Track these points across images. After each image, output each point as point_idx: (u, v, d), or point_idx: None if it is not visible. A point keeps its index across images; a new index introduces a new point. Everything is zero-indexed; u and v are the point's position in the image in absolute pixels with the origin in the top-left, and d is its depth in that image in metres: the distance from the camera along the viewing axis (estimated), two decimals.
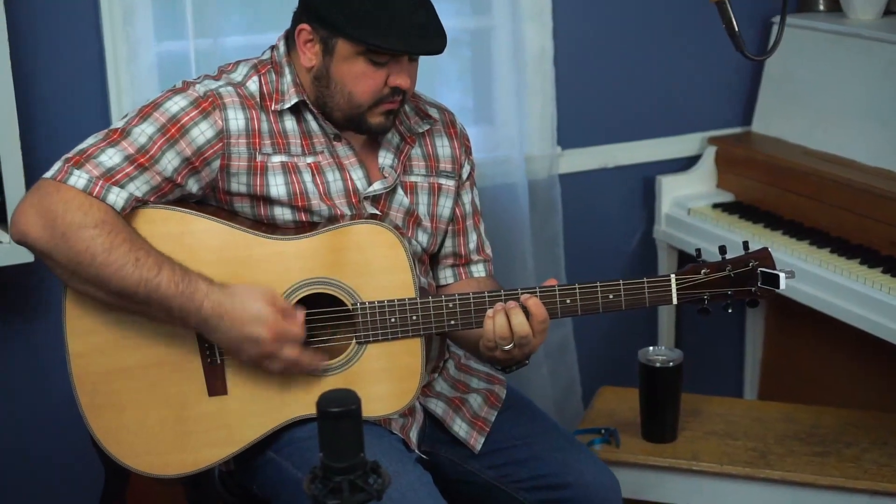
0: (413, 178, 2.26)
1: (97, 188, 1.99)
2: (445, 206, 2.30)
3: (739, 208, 3.28)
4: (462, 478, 2.28)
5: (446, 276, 2.35)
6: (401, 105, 2.16)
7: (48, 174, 2.02)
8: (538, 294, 2.09)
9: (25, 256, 2.60)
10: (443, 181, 2.30)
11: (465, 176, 2.35)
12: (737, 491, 2.71)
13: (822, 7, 3.47)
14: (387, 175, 2.21)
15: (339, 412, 1.52)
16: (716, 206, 3.32)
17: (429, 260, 2.32)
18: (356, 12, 2.05)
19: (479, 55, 3.26)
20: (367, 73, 2.09)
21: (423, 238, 2.26)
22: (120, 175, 2.01)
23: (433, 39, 2.09)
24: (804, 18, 3.36)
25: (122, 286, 1.98)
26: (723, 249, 2.15)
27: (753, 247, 2.16)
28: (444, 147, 2.31)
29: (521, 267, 3.23)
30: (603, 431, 2.81)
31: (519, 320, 2.06)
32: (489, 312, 2.08)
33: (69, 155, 2.04)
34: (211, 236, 2.07)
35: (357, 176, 2.18)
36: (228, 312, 2.00)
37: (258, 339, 2.00)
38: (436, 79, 3.14)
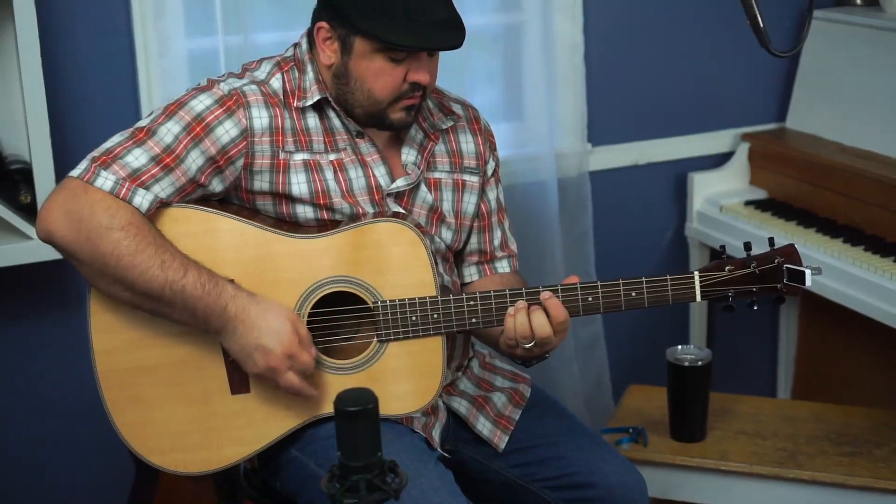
0: (437, 175, 2.26)
1: (124, 190, 2.00)
2: (470, 203, 2.29)
3: (772, 205, 3.25)
4: (485, 476, 2.28)
5: (471, 273, 2.35)
6: (422, 100, 2.15)
7: (75, 173, 2.03)
8: (559, 292, 2.08)
9: (52, 254, 2.61)
10: (467, 177, 2.29)
11: (489, 172, 2.34)
12: (766, 491, 2.69)
13: (858, 1, 3.43)
14: (410, 172, 2.21)
15: (356, 411, 1.52)
16: (748, 203, 3.30)
17: (453, 257, 2.32)
18: (373, 9, 2.04)
19: (509, 50, 3.25)
20: (386, 69, 2.09)
21: (447, 235, 2.25)
22: (146, 177, 2.02)
23: (451, 34, 2.08)
24: (840, 13, 3.32)
25: (148, 288, 1.99)
26: (748, 246, 2.13)
27: (780, 243, 2.13)
28: (468, 143, 2.30)
29: (551, 264, 3.22)
30: (631, 430, 2.80)
31: (540, 321, 2.06)
32: (510, 311, 2.07)
33: (95, 154, 2.04)
34: (233, 235, 2.07)
35: (380, 173, 2.18)
36: (250, 319, 2.01)
37: (270, 350, 2.00)
38: (465, 74, 3.12)
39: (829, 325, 3.41)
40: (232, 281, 2.04)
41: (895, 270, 2.78)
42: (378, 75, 2.10)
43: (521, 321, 2.06)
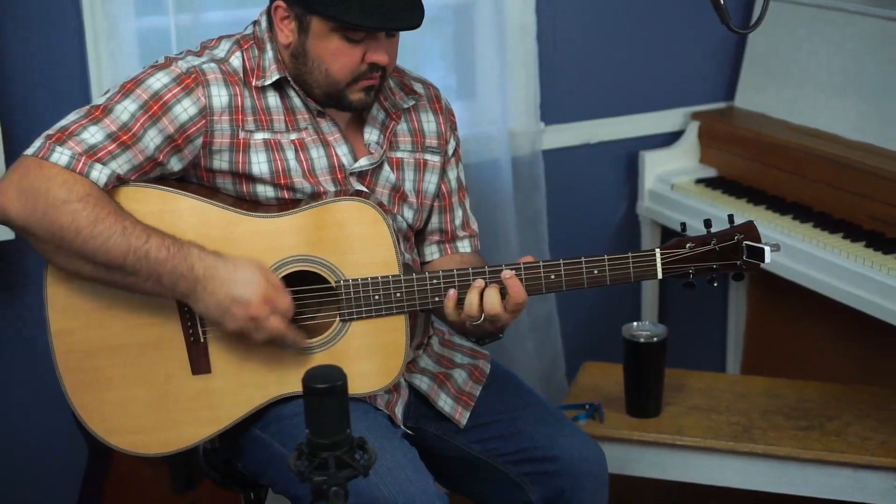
0: (399, 154, 2.25)
1: (80, 164, 1.97)
2: (431, 182, 2.29)
3: (722, 183, 3.28)
4: (448, 453, 2.28)
5: (432, 251, 2.35)
6: (381, 81, 2.14)
7: (29, 151, 2.00)
8: (522, 271, 2.09)
9: (6, 234, 2.58)
10: (428, 157, 2.29)
11: (450, 152, 2.34)
12: (721, 465, 2.73)
13: None
14: (373, 151, 2.20)
15: (326, 388, 1.52)
16: (699, 181, 3.32)
17: (414, 236, 2.32)
18: None
19: (461, 31, 3.24)
20: (343, 49, 2.07)
21: (408, 214, 2.25)
22: (102, 153, 1.99)
23: (409, 14, 2.06)
24: None
25: (109, 257, 1.96)
26: (708, 223, 2.15)
27: (738, 221, 2.16)
28: (429, 122, 2.30)
29: (505, 243, 3.22)
30: (587, 407, 2.82)
31: (491, 299, 2.06)
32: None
33: (50, 132, 2.01)
34: (192, 214, 2.05)
35: (342, 152, 2.17)
36: (220, 274, 1.98)
37: (248, 301, 1.98)
38: (418, 55, 3.12)
39: (778, 300, 3.46)
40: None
41: (843, 246, 2.82)
42: (335, 55, 2.08)
43: (470, 300, 2.06)
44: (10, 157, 2.59)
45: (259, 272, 2.00)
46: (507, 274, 2.07)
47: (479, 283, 2.07)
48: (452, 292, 2.08)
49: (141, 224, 1.99)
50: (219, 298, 1.99)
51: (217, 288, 1.98)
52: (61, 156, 1.97)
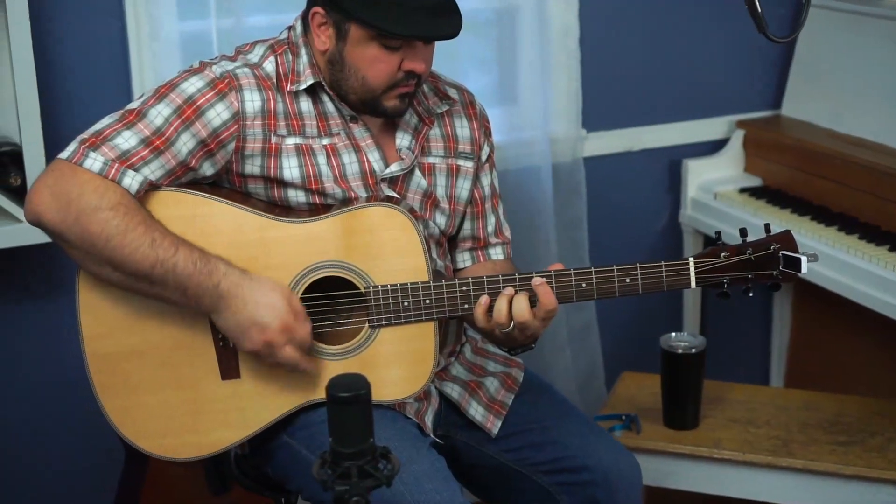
0: (431, 160, 2.24)
1: (113, 171, 1.98)
2: (464, 188, 2.28)
3: (767, 193, 3.24)
4: (478, 462, 2.27)
5: (464, 259, 2.33)
6: (416, 88, 2.13)
7: (63, 155, 2.01)
8: (553, 278, 2.06)
9: (41, 237, 2.59)
10: (461, 163, 2.27)
11: (483, 158, 2.32)
12: (759, 479, 2.68)
13: None
14: (404, 157, 2.19)
15: (348, 397, 1.52)
16: (743, 190, 3.28)
17: (447, 243, 2.30)
18: None
19: (503, 35, 3.23)
20: (381, 57, 2.07)
21: (441, 220, 2.24)
22: (135, 158, 2.00)
23: (447, 23, 2.06)
24: (836, 0, 3.30)
25: (137, 267, 1.97)
26: (743, 232, 2.11)
27: (776, 230, 2.12)
28: (462, 128, 2.28)
29: (545, 251, 3.20)
30: (624, 417, 2.79)
31: (520, 306, 2.04)
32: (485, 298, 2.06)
33: (85, 136, 2.03)
34: (224, 219, 2.05)
35: (374, 158, 2.16)
36: (243, 295, 1.99)
37: (266, 325, 1.99)
38: (460, 59, 3.11)
39: (823, 313, 3.40)
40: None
41: (889, 259, 2.77)
42: (373, 63, 2.08)
43: (499, 307, 2.05)
44: (51, 158, 2.60)
45: (283, 298, 2.00)
46: (537, 281, 2.05)
47: (509, 290, 2.06)
48: (484, 298, 2.06)
49: (170, 236, 1.99)
50: (239, 319, 2.00)
51: (239, 308, 1.99)
52: (94, 162, 1.98)
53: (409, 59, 2.08)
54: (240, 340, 2.02)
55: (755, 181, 3.34)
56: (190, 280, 1.98)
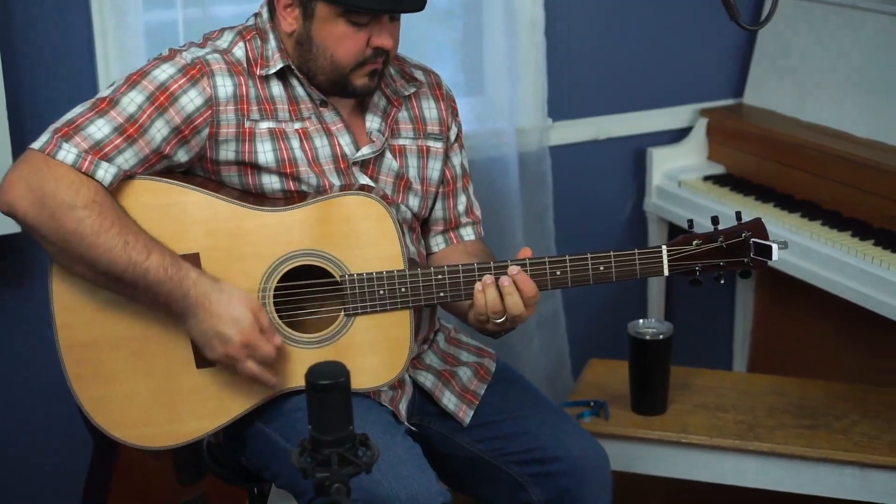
0: (401, 142, 2.25)
1: (86, 164, 1.97)
2: (435, 169, 2.28)
3: (730, 181, 3.27)
4: (451, 451, 2.28)
5: (437, 242, 2.34)
6: (384, 66, 2.14)
7: (36, 145, 2.00)
8: (528, 266, 2.08)
9: (12, 227, 2.58)
10: (431, 143, 2.28)
11: (452, 138, 2.33)
12: (726, 463, 2.71)
13: None
14: (374, 139, 2.20)
15: (328, 385, 1.51)
16: (707, 178, 3.31)
17: (419, 227, 2.31)
18: None
19: (469, 25, 3.23)
20: (348, 34, 2.07)
21: (414, 203, 2.24)
22: (109, 148, 1.99)
23: None
24: None
25: (109, 268, 1.97)
26: (715, 220, 2.13)
27: (746, 218, 2.14)
28: (430, 109, 2.29)
29: (511, 239, 3.21)
30: (592, 404, 2.81)
31: (514, 300, 2.05)
32: (478, 286, 2.06)
33: (57, 125, 2.01)
34: (199, 208, 2.05)
35: (345, 142, 2.16)
36: (212, 305, 2.00)
37: (228, 339, 2.00)
38: (427, 49, 3.11)
39: (786, 298, 3.44)
40: (197, 260, 2.03)
41: (852, 244, 2.81)
42: (340, 40, 2.08)
43: (492, 295, 2.06)
44: (17, 150, 2.59)
45: (250, 313, 2.00)
46: (513, 270, 2.06)
47: (490, 278, 2.06)
48: (488, 278, 2.06)
49: (144, 237, 1.99)
50: (204, 329, 2.01)
51: (206, 318, 2.00)
52: (68, 154, 1.97)
53: (377, 35, 2.09)
54: (203, 348, 2.04)
55: (719, 169, 3.37)
56: (161, 287, 1.99)
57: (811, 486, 2.68)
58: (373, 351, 2.10)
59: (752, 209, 3.05)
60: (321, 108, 2.16)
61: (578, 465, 2.22)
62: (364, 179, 2.17)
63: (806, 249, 2.87)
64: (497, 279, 2.06)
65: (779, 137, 3.19)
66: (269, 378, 2.05)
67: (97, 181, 1.98)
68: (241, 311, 2.00)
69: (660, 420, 2.77)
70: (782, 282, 3.11)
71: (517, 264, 2.07)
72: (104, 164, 1.98)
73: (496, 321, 2.07)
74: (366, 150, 2.18)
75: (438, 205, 2.32)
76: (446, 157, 2.31)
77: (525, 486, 2.24)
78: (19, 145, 2.62)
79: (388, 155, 2.21)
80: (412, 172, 2.24)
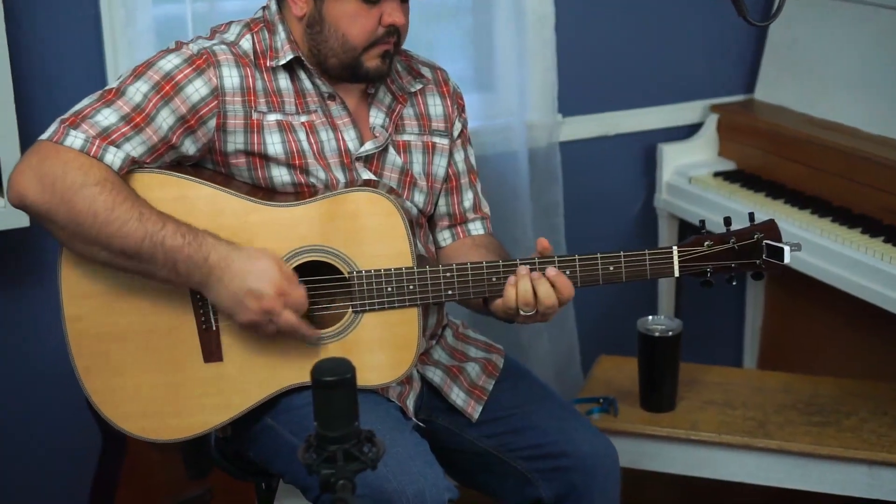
0: (405, 137, 2.24)
1: (94, 148, 1.98)
2: (440, 165, 2.28)
3: (741, 177, 3.26)
4: (459, 447, 2.28)
5: (444, 237, 2.33)
6: (395, 49, 2.13)
7: (44, 136, 2.01)
8: (537, 266, 2.06)
9: (21, 221, 2.58)
10: (436, 140, 2.28)
11: (456, 134, 2.32)
12: (735, 460, 2.71)
13: None
14: (378, 134, 2.19)
15: (334, 381, 1.51)
16: (717, 174, 3.30)
17: (427, 224, 2.30)
18: None
19: (479, 22, 3.23)
20: (360, 12, 2.07)
21: (419, 199, 2.24)
22: (116, 135, 2.00)
23: None
24: None
25: (126, 243, 1.97)
26: (727, 221, 2.11)
27: (759, 217, 2.12)
28: (436, 106, 2.29)
29: (522, 235, 3.21)
30: (601, 401, 2.80)
31: (546, 291, 2.04)
32: (510, 279, 2.05)
33: (65, 116, 2.02)
34: (207, 202, 2.05)
35: (349, 136, 2.16)
36: (234, 263, 1.98)
37: (262, 292, 1.98)
38: (436, 46, 3.11)
39: (796, 295, 3.43)
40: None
41: (862, 241, 2.79)
42: (353, 19, 2.08)
43: (525, 287, 2.04)
44: (26, 144, 2.59)
45: (274, 264, 2.00)
46: (552, 272, 2.05)
47: (525, 268, 2.04)
48: (523, 269, 2.05)
49: (157, 211, 2.00)
50: (233, 290, 1.99)
51: (232, 279, 1.98)
52: (75, 139, 1.98)
53: (388, 13, 2.09)
54: (236, 312, 2.01)
55: (729, 165, 3.36)
56: (180, 253, 1.98)
57: (820, 483, 2.68)
58: (380, 348, 2.09)
59: (762, 206, 3.04)
60: (328, 102, 2.16)
61: (587, 461, 2.22)
62: (367, 175, 2.17)
63: (816, 246, 2.86)
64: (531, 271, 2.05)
65: (789, 134, 3.18)
66: (308, 328, 2.04)
67: (106, 164, 1.98)
68: (265, 264, 1.99)
69: (669, 417, 2.76)
70: (792, 278, 3.10)
71: (525, 263, 2.06)
72: (112, 149, 1.99)
73: (526, 313, 2.06)
74: (368, 146, 2.17)
75: (442, 200, 2.31)
76: (450, 154, 2.30)
77: (533, 481, 2.24)
78: (28, 140, 2.62)
79: (392, 151, 2.21)
80: (417, 168, 2.24)
